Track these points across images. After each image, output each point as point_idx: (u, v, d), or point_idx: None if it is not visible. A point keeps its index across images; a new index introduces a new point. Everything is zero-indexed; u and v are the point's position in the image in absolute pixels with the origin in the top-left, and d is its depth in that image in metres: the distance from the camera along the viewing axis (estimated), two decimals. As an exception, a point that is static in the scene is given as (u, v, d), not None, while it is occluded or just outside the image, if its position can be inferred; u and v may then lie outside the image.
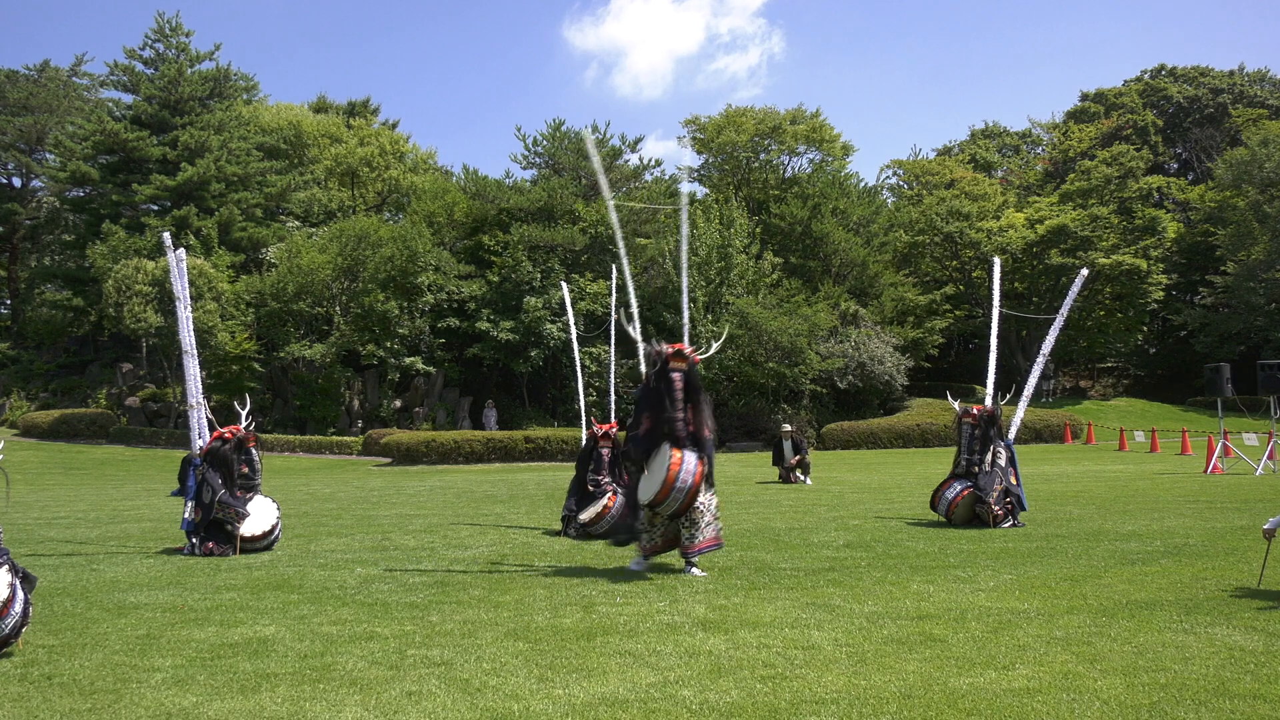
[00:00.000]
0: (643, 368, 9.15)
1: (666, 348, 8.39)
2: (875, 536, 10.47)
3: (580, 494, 11.81)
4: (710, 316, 33.99)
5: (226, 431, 10.63)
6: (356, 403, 35.86)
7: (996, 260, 13.91)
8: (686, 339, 9.18)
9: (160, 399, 35.84)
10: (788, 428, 20.01)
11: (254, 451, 10.99)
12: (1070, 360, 49.69)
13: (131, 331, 33.33)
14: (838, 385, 36.00)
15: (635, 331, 9.40)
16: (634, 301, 9.77)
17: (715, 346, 10.19)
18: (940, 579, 7.74)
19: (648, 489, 8.18)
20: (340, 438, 32.14)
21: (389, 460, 28.13)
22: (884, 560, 8.77)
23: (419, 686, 4.92)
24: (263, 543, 10.18)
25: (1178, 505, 13.18)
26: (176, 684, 5.03)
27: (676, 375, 8.30)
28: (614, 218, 9.65)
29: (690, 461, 8.04)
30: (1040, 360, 12.79)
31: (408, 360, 35.01)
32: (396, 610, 6.82)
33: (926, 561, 8.67)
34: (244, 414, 11.51)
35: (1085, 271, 13.65)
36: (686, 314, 9.74)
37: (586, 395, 13.77)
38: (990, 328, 12.95)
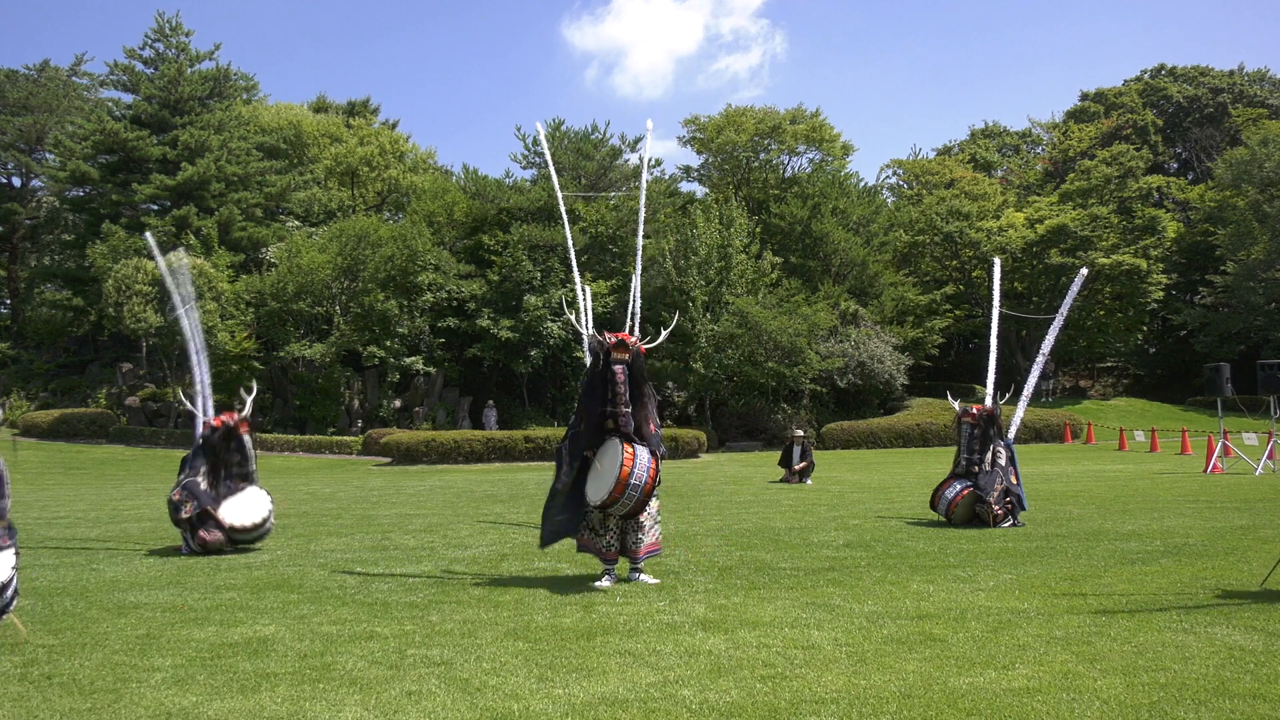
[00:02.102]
0: (586, 360, 8.55)
1: (610, 337, 7.87)
2: (875, 536, 10.47)
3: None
4: (710, 316, 33.98)
5: (215, 420, 10.59)
6: (356, 402, 35.86)
7: (997, 261, 13.93)
8: (635, 328, 8.66)
9: (160, 399, 35.83)
10: (799, 433, 20.09)
11: (245, 439, 10.78)
12: (1070, 360, 49.71)
13: (131, 331, 33.34)
14: (838, 385, 36.01)
15: (584, 324, 9.08)
16: (582, 292, 9.16)
17: (664, 335, 9.50)
18: (940, 579, 7.74)
19: (598, 489, 7.59)
20: (340, 437, 32.15)
21: (389, 460, 28.13)
22: (884, 560, 8.77)
23: (419, 686, 4.92)
24: (253, 534, 10.09)
25: (1177, 505, 13.18)
26: (176, 683, 5.03)
27: (619, 368, 7.82)
28: (559, 195, 9.44)
29: (644, 458, 7.49)
30: (1040, 360, 12.80)
31: (408, 360, 35.01)
32: (396, 610, 6.82)
33: (926, 561, 8.67)
34: (248, 401, 11.47)
35: (1085, 271, 13.64)
36: (635, 297, 9.12)
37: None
38: (990, 327, 12.97)
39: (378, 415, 35.06)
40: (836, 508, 13.80)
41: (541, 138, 10.20)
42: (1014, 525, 11.19)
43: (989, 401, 12.12)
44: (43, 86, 47.05)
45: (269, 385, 36.13)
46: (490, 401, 35.64)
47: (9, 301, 46.87)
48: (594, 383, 7.91)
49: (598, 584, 7.64)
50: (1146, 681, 4.79)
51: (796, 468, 19.12)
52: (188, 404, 11.01)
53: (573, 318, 8.78)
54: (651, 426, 7.83)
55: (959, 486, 11.66)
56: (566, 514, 7.96)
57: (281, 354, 34.60)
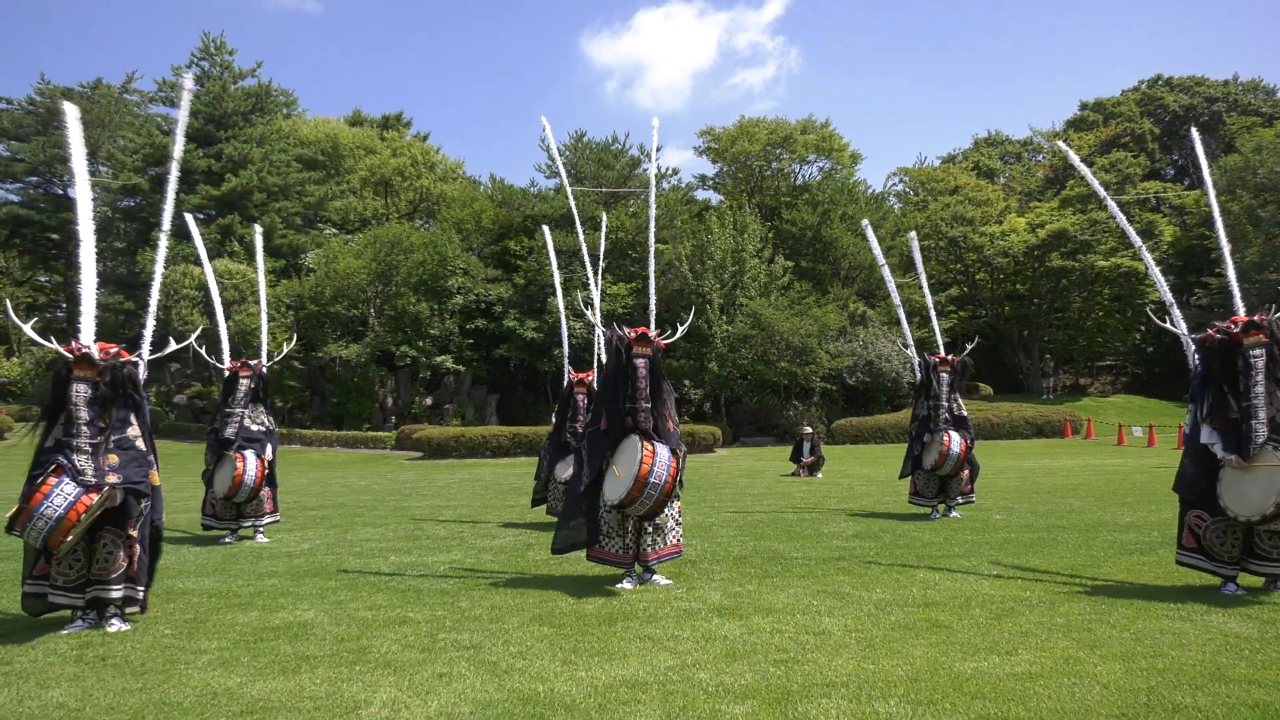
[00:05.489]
0: (602, 357, 7.91)
1: (629, 332, 7.33)
2: (883, 527, 10.42)
3: (556, 446, 11.20)
4: (725, 317, 33.92)
5: (225, 366, 10.50)
6: (390, 400, 36.04)
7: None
8: (652, 322, 8.13)
9: (206, 396, 36.17)
10: (808, 430, 20.06)
11: (242, 382, 10.22)
12: (1070, 359, 49.30)
13: (179, 334, 33.63)
14: (847, 383, 35.83)
15: (594, 315, 8.81)
16: (595, 284, 8.96)
17: (682, 330, 8.75)
18: (946, 568, 7.69)
19: (616, 488, 6.98)
20: (374, 433, 32.30)
21: (420, 454, 28.24)
22: (891, 550, 8.73)
23: (449, 668, 4.94)
24: (239, 495, 9.87)
25: (1174, 498, 13.00)
26: (222, 665, 5.08)
27: (641, 362, 7.23)
28: (569, 191, 9.44)
29: (664, 456, 6.90)
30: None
31: (438, 359, 35.14)
32: (428, 596, 6.85)
33: (932, 551, 8.62)
34: (285, 348, 11.59)
35: (913, 234, 14.32)
36: (653, 294, 8.61)
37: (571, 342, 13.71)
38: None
39: (410, 412, 35.21)
40: (846, 500, 13.74)
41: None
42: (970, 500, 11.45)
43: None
44: (96, 103, 47.57)
45: (307, 384, 36.38)
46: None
47: (65, 305, 47.46)
48: (614, 379, 7.34)
49: (620, 585, 7.17)
50: (1145, 667, 4.75)
51: (806, 462, 19.07)
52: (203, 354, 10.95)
53: (589, 314, 8.50)
54: (670, 424, 7.32)
55: (959, 438, 11.13)
56: (584, 519, 7.39)
57: (319, 354, 34.83)
